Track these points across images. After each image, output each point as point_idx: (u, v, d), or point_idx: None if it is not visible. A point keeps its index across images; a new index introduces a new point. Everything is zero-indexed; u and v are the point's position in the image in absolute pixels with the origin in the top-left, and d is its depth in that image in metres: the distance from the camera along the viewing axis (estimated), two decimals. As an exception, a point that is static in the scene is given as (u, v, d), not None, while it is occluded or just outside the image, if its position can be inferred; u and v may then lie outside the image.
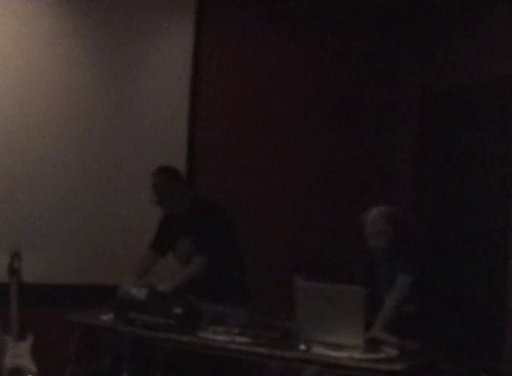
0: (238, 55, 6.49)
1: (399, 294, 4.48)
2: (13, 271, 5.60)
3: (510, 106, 5.67)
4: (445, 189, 6.31)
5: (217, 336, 4.26)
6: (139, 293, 4.47)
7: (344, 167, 6.73)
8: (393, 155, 6.78)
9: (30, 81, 5.78)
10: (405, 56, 6.69)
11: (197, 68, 6.32)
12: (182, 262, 5.01)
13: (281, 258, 6.32)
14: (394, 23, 6.76)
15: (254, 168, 6.50)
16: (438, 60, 6.37)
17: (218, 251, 4.88)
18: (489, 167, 5.90)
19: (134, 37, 6.11)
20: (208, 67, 6.37)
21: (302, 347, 4.04)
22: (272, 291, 5.85)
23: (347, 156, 6.78)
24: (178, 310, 4.29)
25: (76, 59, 5.94)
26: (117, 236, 5.95)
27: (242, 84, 6.52)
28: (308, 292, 4.23)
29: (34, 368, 5.47)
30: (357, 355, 3.91)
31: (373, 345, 4.11)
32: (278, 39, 6.59)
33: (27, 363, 5.47)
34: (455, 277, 5.08)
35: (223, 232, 4.98)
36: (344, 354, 3.92)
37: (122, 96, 6.10)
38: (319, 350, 4.01)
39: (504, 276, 5.42)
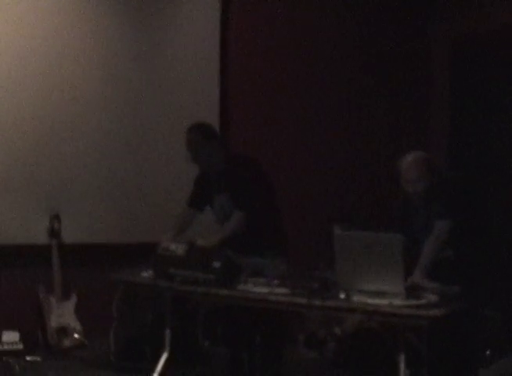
0: (267, 15, 6.45)
1: (438, 240, 4.45)
2: (53, 232, 5.68)
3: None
4: (478, 136, 6.24)
5: (256, 288, 4.27)
6: (178, 249, 4.49)
7: (378, 115, 6.70)
8: (427, 103, 6.73)
9: (59, 49, 5.82)
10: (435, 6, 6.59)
11: (226, 26, 6.32)
12: (220, 218, 5.01)
13: (318, 208, 6.32)
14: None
15: (285, 122, 6.51)
16: (466, 9, 6.27)
17: (255, 205, 4.88)
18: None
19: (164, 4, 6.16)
20: (237, 27, 6.36)
21: (342, 296, 4.04)
22: (310, 241, 5.86)
23: (382, 105, 6.75)
24: (217, 264, 4.30)
25: (109, 19, 5.98)
26: (154, 193, 6.01)
27: (271, 41, 6.50)
28: (347, 241, 4.19)
29: (79, 327, 5.57)
30: (398, 302, 3.89)
31: (413, 291, 4.08)
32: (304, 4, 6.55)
33: (72, 321, 5.57)
34: (492, 222, 5.02)
35: (259, 186, 4.96)
36: (384, 301, 3.90)
37: (155, 55, 6.15)
38: (359, 298, 3.99)
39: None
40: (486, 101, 6.16)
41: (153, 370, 4.68)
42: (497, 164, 5.98)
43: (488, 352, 4.47)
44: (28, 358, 5.21)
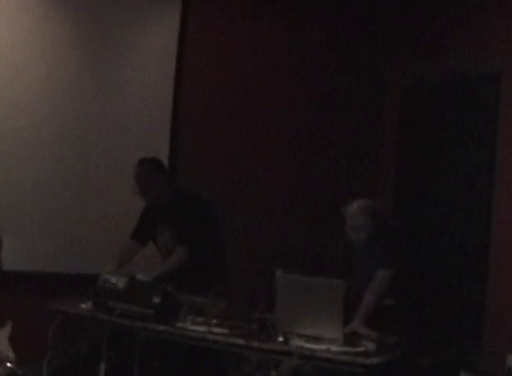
0: (223, 46, 6.49)
1: (378, 289, 4.49)
2: (-7, 258, 5.58)
3: (487, 98, 5.72)
4: (425, 180, 6.34)
5: (195, 326, 4.25)
6: (119, 281, 4.46)
7: (326, 157, 6.75)
8: (375, 146, 6.81)
9: (12, 72, 5.74)
10: (388, 46, 6.71)
11: (182, 60, 6.32)
12: (162, 252, 5.02)
13: (261, 249, 6.33)
14: (376, 12, 6.79)
15: (235, 159, 6.50)
16: (420, 52, 6.41)
17: (198, 242, 4.89)
18: (469, 157, 5.95)
19: (119, 27, 6.10)
20: (193, 59, 6.37)
21: (280, 339, 4.03)
22: (251, 282, 5.85)
23: (332, 146, 6.79)
24: (157, 300, 4.27)
25: (61, 50, 5.92)
26: (99, 225, 5.93)
27: (226, 76, 6.51)
28: (288, 284, 4.22)
29: (12, 355, 5.45)
30: (335, 348, 3.90)
31: (351, 338, 4.11)
32: (263, 29, 6.60)
33: (5, 350, 5.44)
34: (434, 270, 5.10)
35: (204, 223, 4.99)
36: (322, 346, 3.91)
37: (106, 88, 6.08)
38: (297, 342, 4.00)
39: (485, 270, 5.44)
40: (434, 146, 6.28)
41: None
42: (445, 207, 6.06)
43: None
44: (-43, 386, 5.10)
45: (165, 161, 5.61)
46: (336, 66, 6.84)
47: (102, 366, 4.65)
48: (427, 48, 6.40)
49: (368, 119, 6.90)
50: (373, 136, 6.88)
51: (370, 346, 4.04)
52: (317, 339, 3.99)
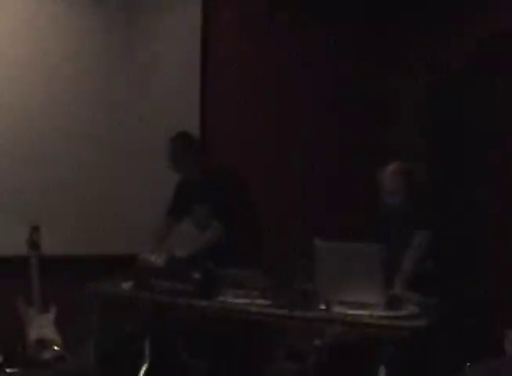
0: (246, 27, 6.48)
1: (418, 251, 4.47)
2: (33, 244, 5.63)
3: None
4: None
5: (236, 299, 4.26)
6: (158, 260, 4.49)
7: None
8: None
9: (39, 54, 5.82)
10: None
11: (207, 36, 6.32)
12: (199, 227, 5.03)
13: (298, 219, 6.32)
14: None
15: (265, 134, 6.50)
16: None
17: (234, 217, 4.89)
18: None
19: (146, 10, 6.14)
20: (218, 38, 6.38)
21: (322, 307, 4.03)
22: (290, 252, 5.84)
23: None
24: (197, 275, 4.30)
25: (87, 36, 6.00)
26: (134, 204, 5.98)
27: (251, 53, 6.51)
28: (327, 252, 4.19)
29: (58, 339, 5.52)
30: (378, 312, 3.89)
31: (394, 302, 4.08)
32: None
33: (51, 334, 5.52)
34: (469, 232, 5.05)
35: (239, 198, 5.01)
36: (365, 312, 3.90)
37: (135, 65, 6.13)
38: (339, 309, 3.99)
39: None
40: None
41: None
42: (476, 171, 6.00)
43: (468, 364, 4.46)
44: (8, 370, 5.18)
45: (196, 136, 5.60)
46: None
47: (147, 346, 4.70)
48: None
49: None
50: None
51: (413, 309, 4.02)
52: (359, 305, 3.98)
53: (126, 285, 4.66)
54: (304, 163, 6.56)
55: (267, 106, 6.50)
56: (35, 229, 5.65)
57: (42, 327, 5.52)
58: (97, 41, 6.02)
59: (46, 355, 5.45)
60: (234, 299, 4.27)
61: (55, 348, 5.48)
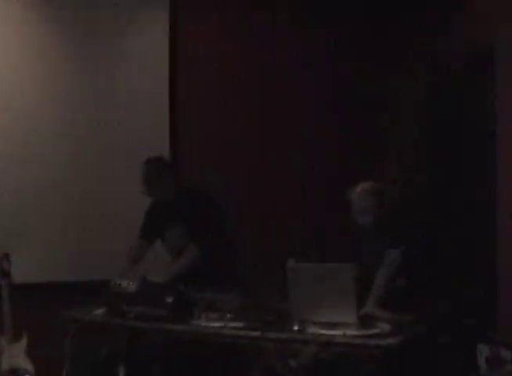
0: (216, 40, 6.50)
1: (390, 269, 4.49)
2: (3, 273, 5.58)
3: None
4: (431, 162, 6.31)
5: (210, 323, 4.26)
6: (130, 285, 4.46)
7: (331, 143, 6.73)
8: (379, 130, 6.78)
9: (10, 79, 5.80)
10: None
11: (175, 57, 6.34)
12: (172, 250, 5.04)
13: (273, 240, 6.33)
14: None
15: (236, 154, 6.50)
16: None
17: (209, 238, 4.90)
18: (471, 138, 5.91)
19: (112, 30, 6.16)
20: (186, 56, 6.39)
21: (296, 328, 4.03)
22: (264, 273, 5.85)
23: (335, 132, 6.77)
24: (169, 299, 4.28)
25: (57, 56, 5.98)
26: (105, 231, 5.95)
27: (222, 71, 6.52)
28: (299, 273, 4.22)
29: (31, 368, 5.47)
30: (351, 332, 3.91)
31: (366, 321, 4.10)
32: (258, 22, 6.60)
33: (23, 363, 5.46)
34: (443, 248, 5.08)
35: (213, 219, 5.01)
36: (338, 332, 3.92)
37: (104, 90, 6.12)
38: (313, 330, 4.01)
39: (493, 244, 5.41)
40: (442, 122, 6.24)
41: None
42: (452, 186, 6.03)
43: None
44: (-20, 402, 5.12)
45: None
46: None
47: (122, 371, 4.66)
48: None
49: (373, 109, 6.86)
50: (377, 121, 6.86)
51: (385, 327, 4.05)
52: (332, 325, 4.00)
53: (99, 311, 4.63)
54: (279, 179, 6.57)
55: (237, 128, 6.52)
56: (5, 257, 5.61)
57: (14, 356, 5.46)
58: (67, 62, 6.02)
59: (19, 384, 5.41)
60: (208, 322, 4.26)
61: (28, 377, 5.44)
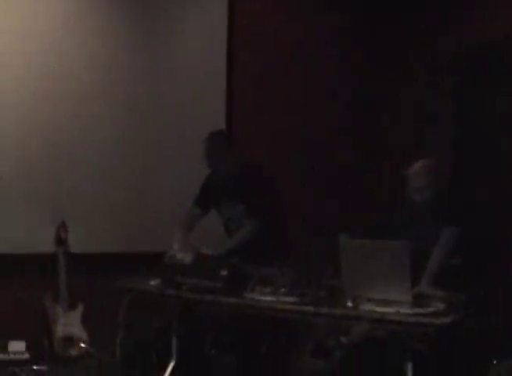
0: (272, 18, 6.51)
1: (445, 248, 4.45)
2: (60, 241, 5.68)
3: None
4: (482, 140, 6.25)
5: (263, 297, 4.27)
6: (185, 257, 4.50)
7: (384, 120, 6.71)
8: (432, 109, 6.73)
9: (70, 51, 5.84)
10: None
11: (232, 31, 6.34)
12: (229, 225, 5.06)
13: (325, 216, 6.33)
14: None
15: (290, 130, 6.53)
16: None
17: (265, 214, 4.92)
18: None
19: (172, 7, 6.19)
20: (243, 33, 6.40)
21: (349, 304, 4.03)
22: (317, 249, 5.85)
23: (387, 111, 6.75)
24: (224, 272, 4.30)
25: (118, 32, 6.03)
26: (162, 202, 6.01)
27: (277, 48, 6.52)
28: (353, 249, 4.18)
29: (85, 336, 5.56)
30: (405, 310, 3.88)
31: (420, 300, 4.08)
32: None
33: (78, 331, 5.56)
34: (498, 228, 5.03)
35: (271, 197, 5.02)
36: (391, 309, 3.90)
37: (163, 66, 6.16)
38: (366, 306, 3.99)
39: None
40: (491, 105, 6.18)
41: (160, 378, 4.67)
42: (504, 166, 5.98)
43: (494, 362, 4.45)
44: (34, 367, 5.21)
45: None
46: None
47: (175, 342, 4.72)
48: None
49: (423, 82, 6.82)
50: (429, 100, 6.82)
51: (440, 306, 4.02)
52: (386, 302, 3.97)
53: (153, 282, 4.67)
54: (330, 160, 6.58)
55: (290, 103, 6.54)
56: (62, 227, 5.70)
57: (69, 324, 5.57)
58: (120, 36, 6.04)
59: (73, 352, 5.50)
60: (261, 296, 4.27)
61: (82, 345, 5.52)
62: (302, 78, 6.62)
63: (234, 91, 6.36)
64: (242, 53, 6.41)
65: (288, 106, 6.58)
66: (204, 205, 5.19)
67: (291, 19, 6.59)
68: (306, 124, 6.64)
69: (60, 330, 5.52)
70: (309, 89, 6.66)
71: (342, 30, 6.76)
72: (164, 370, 4.68)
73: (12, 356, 5.31)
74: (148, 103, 6.08)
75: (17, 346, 5.36)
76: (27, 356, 5.33)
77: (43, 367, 5.24)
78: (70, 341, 5.51)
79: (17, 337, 5.37)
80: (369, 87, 6.78)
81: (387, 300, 3.99)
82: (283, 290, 4.31)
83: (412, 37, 6.64)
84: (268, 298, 4.23)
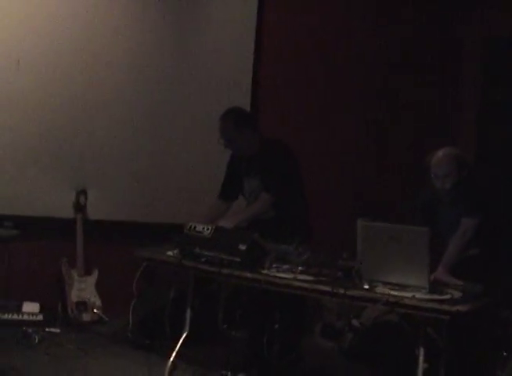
0: (301, 8, 6.49)
1: (464, 237, 4.46)
2: (79, 207, 5.72)
3: None
4: (507, 131, 6.23)
5: (280, 273, 4.28)
6: (205, 229, 4.49)
7: (408, 109, 6.70)
8: (456, 97, 6.72)
9: (95, 33, 5.88)
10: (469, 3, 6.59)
11: (261, 19, 6.34)
12: (250, 200, 5.01)
13: (343, 197, 6.35)
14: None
15: (314, 111, 6.53)
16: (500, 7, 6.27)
17: (283, 190, 4.88)
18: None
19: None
20: (272, 17, 6.43)
21: (366, 286, 4.04)
22: (334, 229, 5.88)
23: (411, 100, 6.75)
24: (243, 247, 4.29)
25: (149, 20, 6.07)
26: (182, 175, 6.05)
27: (305, 30, 6.56)
28: (372, 232, 4.18)
29: (99, 302, 5.61)
30: (421, 295, 3.89)
31: (436, 286, 4.09)
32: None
33: (92, 296, 5.62)
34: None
35: (289, 172, 4.95)
36: (407, 294, 3.90)
37: (188, 41, 6.19)
38: (382, 289, 3.99)
39: None
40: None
41: (170, 348, 4.69)
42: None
43: (504, 354, 4.46)
44: (47, 329, 5.27)
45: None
46: (413, 23, 6.77)
47: (189, 314, 4.74)
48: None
49: (447, 68, 6.83)
50: (452, 89, 6.82)
51: (456, 294, 4.03)
52: (402, 286, 3.98)
53: (170, 252, 4.68)
54: (351, 143, 6.62)
55: (315, 87, 6.56)
56: (82, 193, 5.74)
57: (83, 289, 5.62)
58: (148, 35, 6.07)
59: (86, 317, 5.56)
60: (278, 273, 4.28)
61: (95, 311, 5.58)
62: (330, 61, 6.61)
63: (260, 68, 6.37)
64: (269, 50, 6.42)
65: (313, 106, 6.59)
66: (229, 195, 5.13)
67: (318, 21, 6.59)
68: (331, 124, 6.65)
69: (75, 295, 5.58)
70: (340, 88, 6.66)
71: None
72: (176, 341, 4.69)
73: (25, 317, 5.36)
74: (174, 80, 6.15)
75: (31, 307, 5.41)
76: (40, 317, 5.38)
77: (56, 330, 5.29)
78: (84, 306, 5.56)
79: (32, 298, 5.41)
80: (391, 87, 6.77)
81: (404, 284, 4.00)
82: (300, 268, 4.33)
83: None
84: (286, 276, 4.24)
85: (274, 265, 4.37)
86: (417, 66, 6.82)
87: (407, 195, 6.11)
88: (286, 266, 4.38)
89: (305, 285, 4.14)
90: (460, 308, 3.77)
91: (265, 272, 4.30)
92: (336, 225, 6.06)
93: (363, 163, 6.66)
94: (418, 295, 3.89)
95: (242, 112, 5.09)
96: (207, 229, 4.49)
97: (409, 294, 3.90)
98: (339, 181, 6.55)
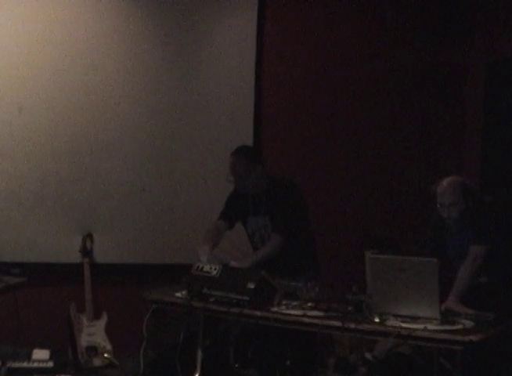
0: (301, 30, 6.51)
1: (473, 265, 4.43)
2: (86, 251, 5.71)
3: None
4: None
5: (290, 310, 4.26)
6: (212, 269, 4.48)
7: (411, 138, 6.71)
8: (461, 127, 6.73)
9: (95, 66, 5.88)
10: (472, 24, 6.61)
11: (261, 48, 6.37)
12: (255, 239, 5.01)
13: (351, 231, 6.32)
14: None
15: (319, 145, 6.52)
16: (503, 28, 6.29)
17: (293, 228, 4.89)
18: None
19: (200, 18, 6.19)
20: (272, 46, 6.41)
21: (376, 320, 4.02)
22: (343, 264, 5.86)
23: (416, 129, 6.76)
24: (251, 285, 4.28)
25: (143, 43, 6.05)
26: (188, 215, 6.03)
27: (306, 60, 6.54)
28: (381, 265, 4.18)
29: (109, 346, 5.58)
30: (432, 326, 3.87)
31: (448, 316, 4.06)
32: (341, 13, 6.59)
33: (102, 341, 5.59)
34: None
35: (299, 211, 4.97)
36: (419, 326, 3.88)
37: (191, 75, 6.19)
38: (393, 322, 3.97)
39: None
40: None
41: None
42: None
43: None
44: (58, 376, 5.24)
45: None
46: (417, 46, 6.80)
47: (200, 354, 4.71)
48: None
49: (451, 97, 6.83)
50: (457, 117, 6.83)
51: (467, 324, 4.00)
52: (413, 318, 3.96)
53: (179, 294, 4.67)
54: (357, 175, 6.60)
55: (319, 120, 6.56)
56: (88, 237, 5.74)
57: (93, 334, 5.59)
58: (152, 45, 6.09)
59: (96, 362, 5.53)
60: (288, 310, 4.26)
61: (106, 355, 5.54)
62: (334, 92, 6.62)
63: (262, 103, 6.37)
64: (271, 66, 6.42)
65: (317, 119, 6.59)
66: (230, 218, 5.15)
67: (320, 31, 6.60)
68: (333, 137, 6.64)
69: (84, 340, 5.54)
70: (343, 104, 6.67)
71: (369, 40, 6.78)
72: (189, 382, 4.67)
73: (36, 364, 5.30)
74: (177, 119, 6.12)
75: (41, 354, 5.36)
76: (50, 364, 5.33)
77: (66, 376, 5.27)
78: (94, 351, 5.53)
79: (42, 345, 5.38)
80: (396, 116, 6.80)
81: (415, 316, 3.98)
82: (309, 304, 4.31)
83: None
84: (296, 312, 4.22)
85: (283, 302, 4.36)
86: (421, 93, 6.82)
87: (414, 226, 6.12)
88: (295, 303, 4.37)
89: (316, 321, 4.11)
90: (473, 338, 3.74)
91: (274, 309, 4.29)
92: (345, 258, 6.04)
93: (371, 196, 6.63)
94: (430, 327, 3.87)
95: (252, 149, 5.18)
96: (215, 268, 4.48)
97: (421, 326, 3.88)
98: (347, 216, 6.52)
